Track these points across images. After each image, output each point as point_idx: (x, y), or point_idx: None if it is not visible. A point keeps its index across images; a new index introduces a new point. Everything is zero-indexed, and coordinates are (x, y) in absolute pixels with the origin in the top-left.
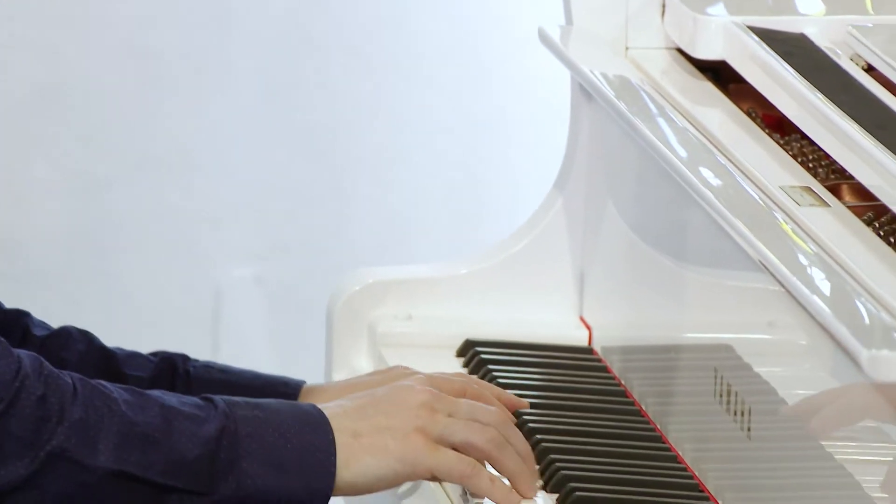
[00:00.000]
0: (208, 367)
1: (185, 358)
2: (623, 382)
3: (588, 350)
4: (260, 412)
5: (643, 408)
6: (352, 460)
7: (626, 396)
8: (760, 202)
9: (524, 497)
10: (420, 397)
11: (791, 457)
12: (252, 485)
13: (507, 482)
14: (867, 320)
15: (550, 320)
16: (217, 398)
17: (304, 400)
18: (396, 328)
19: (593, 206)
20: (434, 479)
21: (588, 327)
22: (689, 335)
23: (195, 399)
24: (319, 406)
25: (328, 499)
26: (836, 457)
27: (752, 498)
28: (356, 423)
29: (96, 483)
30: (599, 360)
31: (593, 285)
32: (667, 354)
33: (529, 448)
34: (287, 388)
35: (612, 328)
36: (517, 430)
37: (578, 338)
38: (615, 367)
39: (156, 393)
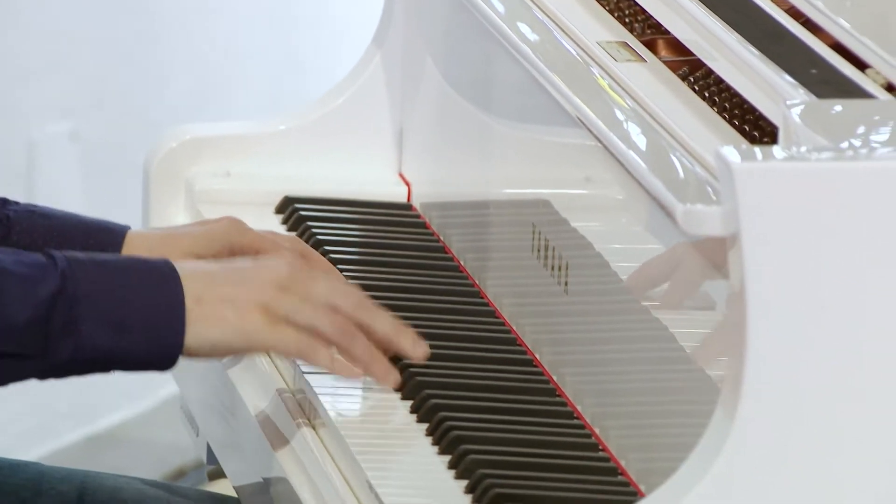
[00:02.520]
0: (31, 213)
1: (4, 201)
2: (442, 238)
3: (407, 206)
4: (105, 270)
5: (462, 263)
6: (189, 325)
7: (445, 252)
8: (577, 57)
9: (383, 384)
10: (275, 274)
11: (607, 311)
12: (92, 346)
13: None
14: (682, 175)
15: (369, 177)
16: (59, 255)
17: (129, 245)
18: (214, 185)
19: (412, 62)
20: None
21: (407, 183)
22: (507, 191)
23: (35, 257)
24: (175, 264)
25: (175, 360)
26: (652, 310)
27: (568, 352)
28: (203, 288)
29: None
30: (418, 217)
31: (412, 141)
32: (485, 210)
33: (396, 325)
34: (112, 235)
35: (431, 184)
36: (379, 311)
37: (398, 194)
38: (434, 223)
39: None
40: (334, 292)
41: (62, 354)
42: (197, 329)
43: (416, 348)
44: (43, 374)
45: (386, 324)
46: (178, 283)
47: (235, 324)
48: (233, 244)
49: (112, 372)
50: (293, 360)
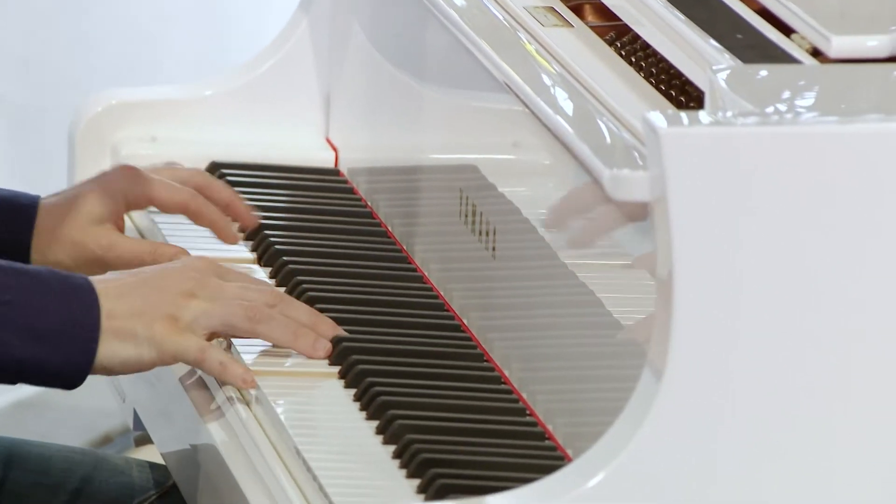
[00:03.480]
0: None
1: None
2: (369, 204)
3: (335, 172)
4: (25, 279)
5: (389, 229)
6: (102, 341)
7: (373, 218)
8: (504, 22)
9: (313, 357)
10: (183, 283)
11: (535, 276)
12: (6, 353)
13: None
14: (609, 140)
15: (296, 142)
16: None
17: (44, 215)
18: (140, 150)
19: (339, 27)
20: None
21: (334, 149)
22: (434, 156)
23: None
24: (92, 279)
25: (84, 376)
26: (579, 275)
27: (496, 317)
28: (115, 303)
29: None
30: (346, 182)
31: (339, 107)
32: (412, 175)
33: (314, 314)
34: (24, 209)
35: (358, 150)
36: (295, 300)
37: (325, 159)
38: (361, 189)
39: None
40: (245, 289)
41: None
42: (108, 345)
43: (317, 348)
44: None
45: (302, 315)
46: (94, 298)
47: (143, 337)
48: (127, 199)
49: (17, 384)
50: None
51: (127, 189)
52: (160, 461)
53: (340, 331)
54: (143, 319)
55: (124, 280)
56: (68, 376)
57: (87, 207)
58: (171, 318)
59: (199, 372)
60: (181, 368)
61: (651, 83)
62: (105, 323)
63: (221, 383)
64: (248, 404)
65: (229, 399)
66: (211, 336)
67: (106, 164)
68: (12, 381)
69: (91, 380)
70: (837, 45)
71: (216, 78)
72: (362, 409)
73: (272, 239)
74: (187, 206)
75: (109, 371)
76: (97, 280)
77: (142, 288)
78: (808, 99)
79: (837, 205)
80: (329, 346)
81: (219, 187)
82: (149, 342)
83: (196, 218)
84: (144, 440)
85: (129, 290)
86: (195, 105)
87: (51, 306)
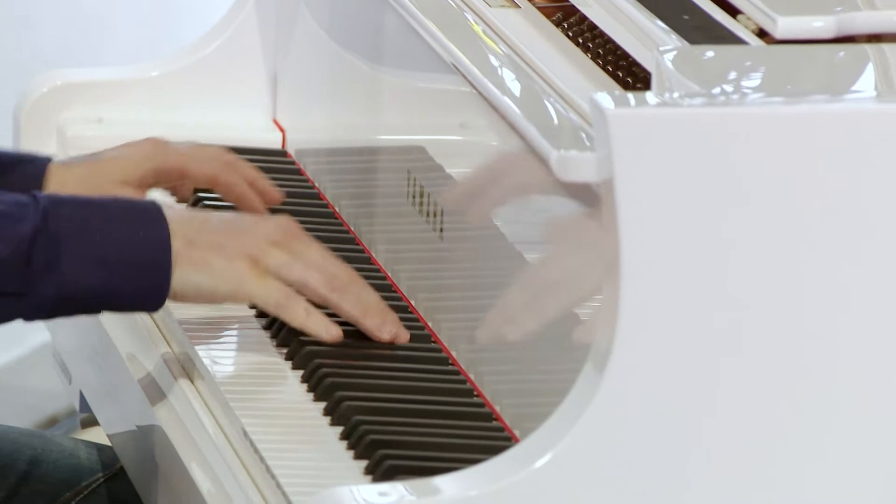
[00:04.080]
0: None
1: None
2: (317, 185)
3: (282, 153)
4: (88, 209)
5: (337, 210)
6: (177, 267)
7: (320, 199)
8: (451, 3)
9: (378, 336)
10: (272, 232)
11: (482, 257)
12: (75, 283)
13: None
14: (556, 121)
15: (243, 123)
16: (41, 195)
17: (53, 178)
18: (86, 132)
19: (286, 8)
20: (255, 306)
21: (282, 130)
22: (382, 137)
23: (15, 196)
24: (163, 206)
25: (162, 301)
26: (527, 257)
27: (443, 297)
28: (194, 232)
29: None
30: (293, 163)
31: (287, 87)
32: (360, 156)
33: (384, 304)
34: (34, 167)
35: (305, 130)
36: (370, 287)
37: (272, 140)
38: (309, 170)
39: None
40: (327, 258)
41: (46, 293)
42: (184, 271)
43: (383, 330)
44: (28, 315)
45: (373, 300)
46: (163, 223)
47: (222, 270)
48: (158, 168)
49: (101, 312)
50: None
51: (160, 160)
52: (107, 442)
53: (404, 331)
54: (224, 253)
55: (205, 214)
56: (146, 302)
57: (111, 168)
58: (252, 259)
59: (143, 352)
60: (128, 348)
61: (598, 64)
62: (182, 249)
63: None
64: (195, 386)
65: (177, 380)
66: None
67: (52, 146)
68: (94, 311)
69: (36, 361)
70: (783, 25)
71: (162, 59)
72: (310, 391)
73: None
74: (217, 179)
75: (184, 298)
76: (169, 208)
77: (225, 225)
78: (755, 80)
79: (784, 185)
80: (394, 331)
81: (243, 164)
82: (226, 276)
83: (226, 190)
84: (90, 422)
85: (210, 222)
86: (141, 86)
87: (119, 233)
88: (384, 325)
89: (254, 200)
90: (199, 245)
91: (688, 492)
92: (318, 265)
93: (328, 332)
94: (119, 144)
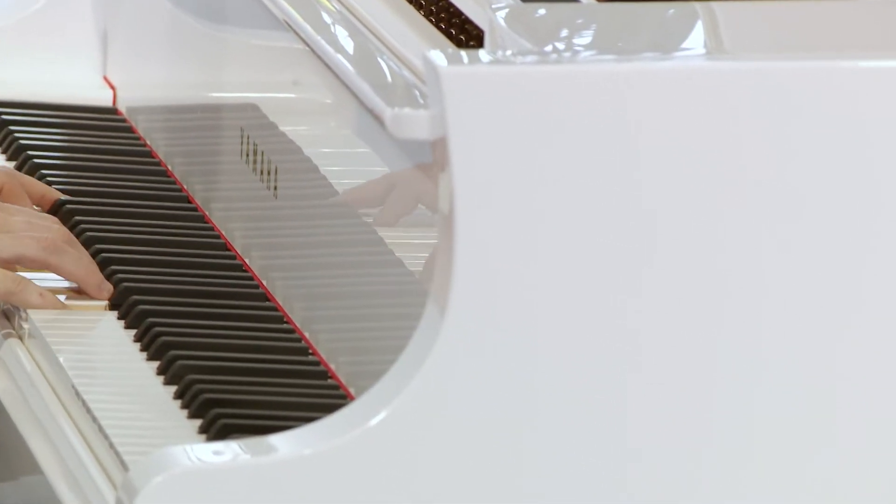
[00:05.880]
0: None
1: None
2: (149, 143)
3: (112, 110)
4: None
5: (170, 168)
6: None
7: (152, 157)
8: None
9: (97, 298)
10: None
11: (317, 215)
12: None
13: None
14: (390, 79)
15: (73, 80)
16: None
17: None
18: None
19: None
20: None
21: (112, 87)
22: (214, 94)
23: None
24: None
25: None
26: (362, 216)
27: (278, 256)
28: None
29: None
30: (124, 121)
31: (117, 44)
32: (193, 114)
33: (91, 260)
34: None
35: (136, 88)
36: (78, 244)
37: (102, 98)
38: (140, 128)
39: None
40: (32, 224)
41: None
42: None
43: (102, 288)
44: None
45: (86, 257)
46: None
47: None
48: None
49: None
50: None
51: None
52: None
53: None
54: None
55: None
56: None
57: None
58: None
59: None
60: None
61: (431, 22)
62: None
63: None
64: (27, 347)
65: (6, 339)
66: None
67: None
68: None
69: None
70: None
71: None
72: (143, 349)
73: (49, 179)
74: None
75: None
76: None
77: None
78: (586, 37)
79: (616, 143)
80: (111, 288)
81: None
82: None
83: None
84: None
85: None
86: None
87: None
88: (104, 283)
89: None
90: None
91: (527, 449)
92: (27, 233)
93: (60, 305)
94: None
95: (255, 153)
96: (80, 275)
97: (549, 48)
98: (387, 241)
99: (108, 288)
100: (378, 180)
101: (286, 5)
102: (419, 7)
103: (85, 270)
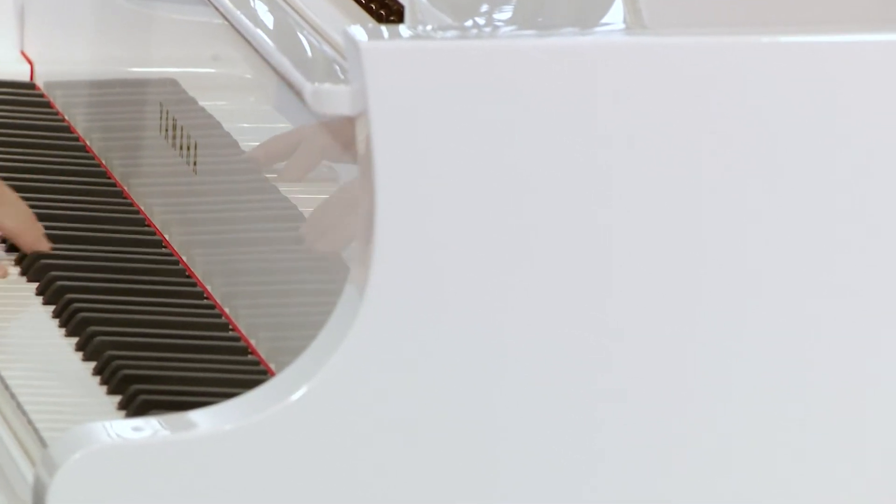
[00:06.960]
0: None
1: None
2: (67, 118)
3: (30, 85)
4: None
5: (88, 143)
6: None
7: (71, 132)
8: None
9: (36, 248)
10: None
11: (237, 190)
12: None
13: None
14: (310, 54)
15: None
16: None
17: None
18: None
19: None
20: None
21: (30, 62)
22: (134, 69)
23: None
24: None
25: None
26: (281, 189)
27: (198, 232)
28: None
29: None
30: (42, 96)
31: (35, 18)
32: (112, 89)
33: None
34: None
35: (55, 63)
36: (22, 201)
37: (19, 73)
38: (58, 103)
39: None
40: None
41: None
42: None
43: (42, 241)
44: None
45: (28, 213)
46: None
47: None
48: None
49: None
50: None
51: None
52: None
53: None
54: None
55: None
56: None
57: None
58: None
59: None
60: None
61: None
62: None
63: None
64: None
65: None
66: None
67: None
68: None
69: None
70: None
71: None
72: (61, 325)
73: None
74: None
75: None
76: None
77: None
78: (507, 13)
79: (537, 118)
80: (48, 244)
81: None
82: None
83: None
84: None
85: None
86: None
87: None
88: (42, 236)
89: None
90: None
91: (446, 422)
92: None
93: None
94: None
95: (174, 128)
96: (19, 229)
97: (469, 24)
98: (306, 214)
99: (47, 243)
100: (284, 135)
101: None
102: None
103: (23, 225)
